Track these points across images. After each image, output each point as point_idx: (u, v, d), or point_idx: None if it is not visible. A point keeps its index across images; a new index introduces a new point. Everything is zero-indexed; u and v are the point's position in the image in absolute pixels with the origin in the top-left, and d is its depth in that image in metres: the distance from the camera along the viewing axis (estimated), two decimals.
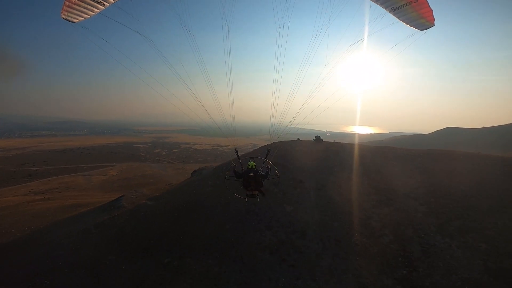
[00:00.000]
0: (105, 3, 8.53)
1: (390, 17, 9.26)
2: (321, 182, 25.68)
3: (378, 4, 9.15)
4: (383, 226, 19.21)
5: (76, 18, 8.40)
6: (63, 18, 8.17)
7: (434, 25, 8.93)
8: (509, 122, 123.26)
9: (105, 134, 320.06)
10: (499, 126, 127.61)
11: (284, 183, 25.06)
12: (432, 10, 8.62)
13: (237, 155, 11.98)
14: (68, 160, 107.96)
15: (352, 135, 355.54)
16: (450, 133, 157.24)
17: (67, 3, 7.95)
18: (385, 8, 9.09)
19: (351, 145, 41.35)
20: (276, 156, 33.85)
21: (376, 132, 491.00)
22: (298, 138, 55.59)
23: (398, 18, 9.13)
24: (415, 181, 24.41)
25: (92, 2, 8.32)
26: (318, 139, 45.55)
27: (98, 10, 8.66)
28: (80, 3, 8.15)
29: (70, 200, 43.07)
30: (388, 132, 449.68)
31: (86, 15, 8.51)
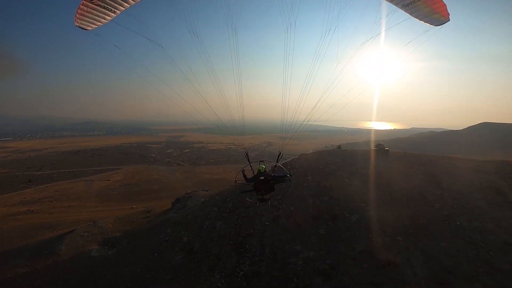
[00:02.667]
0: (116, 10, 8.59)
1: (403, 12, 8.82)
2: (441, 266, 11.89)
3: (388, 1, 8.72)
4: None
5: (89, 26, 8.49)
6: (76, 25, 8.27)
7: (449, 20, 8.39)
8: None
9: (122, 134, 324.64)
10: None
11: (344, 268, 12.36)
12: (445, 5, 8.15)
13: (248, 159, 11.62)
14: (77, 162, 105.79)
15: (369, 131, 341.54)
16: (485, 129, 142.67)
17: (79, 11, 7.99)
18: (396, 4, 8.64)
19: (459, 162, 24.57)
20: (311, 189, 20.17)
21: (396, 128, 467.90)
22: (340, 146, 40.22)
23: (411, 14, 8.68)
24: None
25: (104, 10, 8.33)
26: (381, 149, 27.57)
27: (110, 18, 8.71)
28: (92, 11, 8.17)
29: (54, 214, 38.06)
30: (409, 128, 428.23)
31: (98, 23, 8.58)
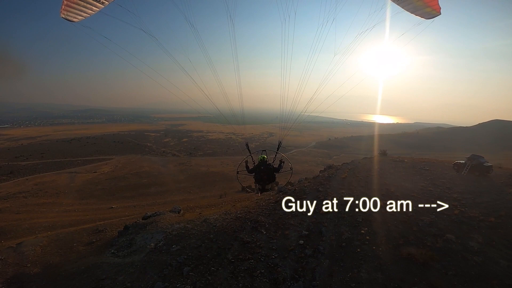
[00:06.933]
0: (104, 1, 8.24)
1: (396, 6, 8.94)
2: None
3: None
4: None
5: (75, 17, 8.09)
6: (62, 17, 7.84)
7: (440, 13, 8.45)
8: None
9: (122, 121, 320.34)
10: None
11: None
12: None
13: (248, 150, 11.67)
14: (68, 151, 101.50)
15: (372, 124, 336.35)
16: (497, 126, 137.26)
17: (65, 2, 7.61)
18: None
19: None
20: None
21: (399, 122, 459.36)
22: (385, 151, 27.19)
23: (403, 7, 8.72)
24: None
25: (91, 1, 7.98)
26: (478, 164, 19.04)
27: (97, 9, 8.34)
28: (79, 1, 7.83)
29: (20, 214, 34.02)
30: (413, 122, 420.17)
31: (85, 14, 8.17)
